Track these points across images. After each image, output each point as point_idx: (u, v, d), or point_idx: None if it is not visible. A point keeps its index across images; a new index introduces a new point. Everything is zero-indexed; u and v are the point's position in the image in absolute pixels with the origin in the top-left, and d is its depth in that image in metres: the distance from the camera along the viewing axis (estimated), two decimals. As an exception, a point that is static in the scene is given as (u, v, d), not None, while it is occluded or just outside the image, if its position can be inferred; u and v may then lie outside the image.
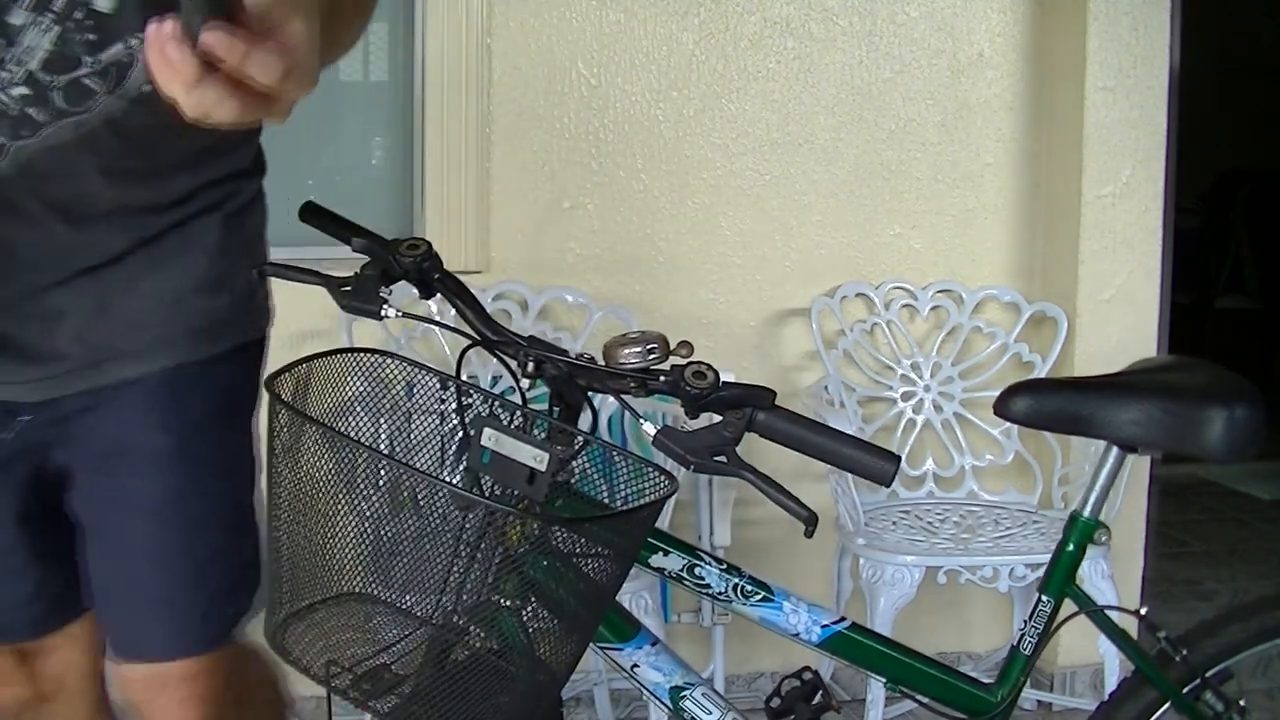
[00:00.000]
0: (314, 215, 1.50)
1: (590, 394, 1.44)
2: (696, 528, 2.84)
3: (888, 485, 1.38)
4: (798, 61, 3.13)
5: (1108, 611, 1.79)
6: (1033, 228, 3.26)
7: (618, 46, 3.03)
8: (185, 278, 1.30)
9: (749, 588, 1.60)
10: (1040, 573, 1.85)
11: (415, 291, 1.51)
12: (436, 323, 1.55)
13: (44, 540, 1.33)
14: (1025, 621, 1.75)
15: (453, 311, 1.54)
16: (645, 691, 1.58)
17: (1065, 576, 1.75)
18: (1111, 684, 2.69)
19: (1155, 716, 1.80)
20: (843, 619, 1.66)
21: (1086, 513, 1.75)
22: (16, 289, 1.20)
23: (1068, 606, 1.75)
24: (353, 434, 1.43)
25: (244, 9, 0.76)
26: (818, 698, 1.59)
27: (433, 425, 1.52)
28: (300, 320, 2.71)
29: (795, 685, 1.60)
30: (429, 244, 1.49)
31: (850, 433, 1.42)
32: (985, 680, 1.75)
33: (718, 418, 1.36)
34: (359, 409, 1.46)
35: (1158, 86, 3.12)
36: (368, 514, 1.62)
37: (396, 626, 1.36)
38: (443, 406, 1.51)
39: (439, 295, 1.52)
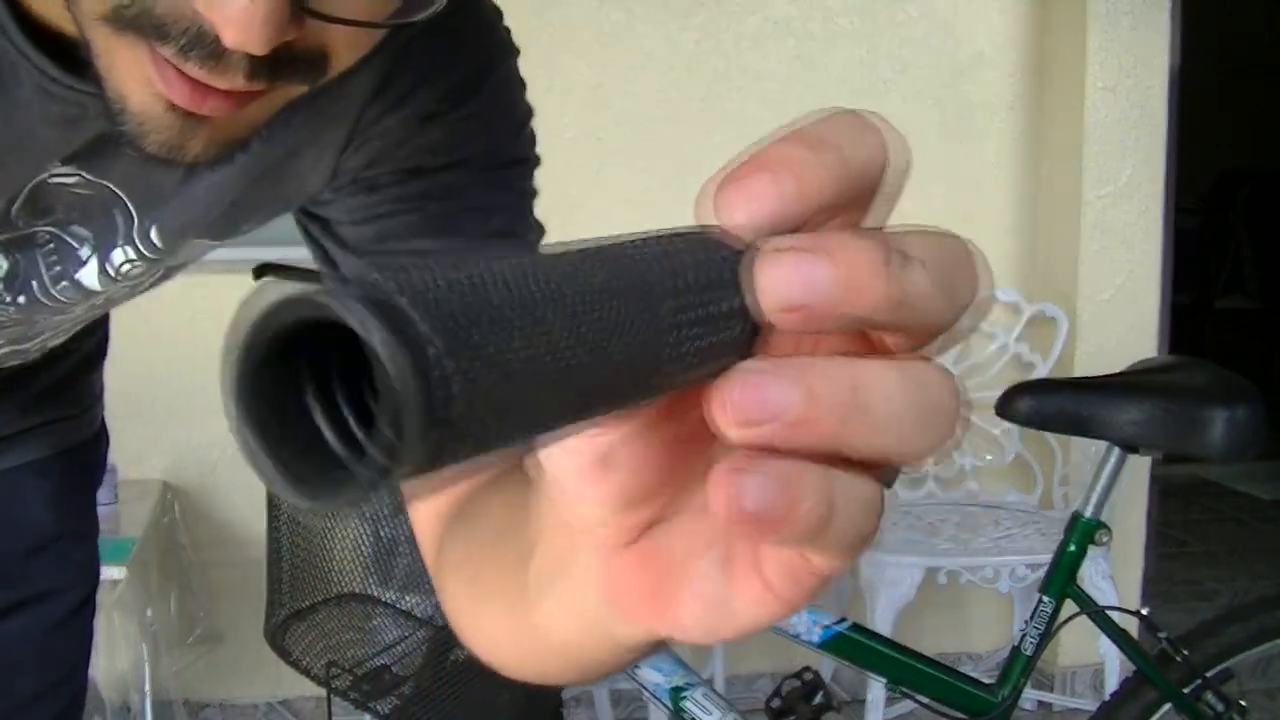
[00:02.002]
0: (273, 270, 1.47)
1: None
2: (696, 528, 2.84)
3: (888, 486, 1.38)
4: (798, 61, 3.13)
5: (1108, 612, 1.79)
6: (1033, 227, 3.26)
7: (618, 46, 3.03)
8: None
9: (749, 588, 1.60)
10: (1041, 573, 1.85)
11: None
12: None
13: None
14: (1026, 622, 1.75)
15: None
16: (646, 692, 1.58)
17: (1066, 577, 1.75)
18: (1112, 684, 2.69)
19: (1156, 717, 1.80)
20: (843, 619, 1.66)
21: (1088, 513, 1.75)
22: None
23: (1069, 607, 1.75)
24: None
25: None
26: (818, 698, 1.59)
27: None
28: (300, 320, 2.70)
29: (795, 685, 1.60)
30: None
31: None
32: (986, 680, 1.75)
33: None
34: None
35: (1158, 86, 3.12)
36: (367, 515, 1.62)
37: (397, 627, 1.36)
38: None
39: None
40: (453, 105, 0.75)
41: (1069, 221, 3.15)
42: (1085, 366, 3.09)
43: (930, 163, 3.21)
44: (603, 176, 3.02)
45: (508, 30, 0.79)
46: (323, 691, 1.71)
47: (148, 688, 2.46)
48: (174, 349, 2.82)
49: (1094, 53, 3.08)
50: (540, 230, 0.78)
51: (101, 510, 2.68)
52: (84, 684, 1.12)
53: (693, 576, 0.35)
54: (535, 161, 0.79)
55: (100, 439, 1.14)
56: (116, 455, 2.58)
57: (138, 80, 0.56)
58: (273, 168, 0.74)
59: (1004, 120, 3.23)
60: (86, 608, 1.11)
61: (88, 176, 0.72)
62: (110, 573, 2.25)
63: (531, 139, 0.79)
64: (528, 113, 0.79)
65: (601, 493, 0.35)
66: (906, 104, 3.18)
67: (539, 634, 0.45)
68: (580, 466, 0.34)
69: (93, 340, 1.08)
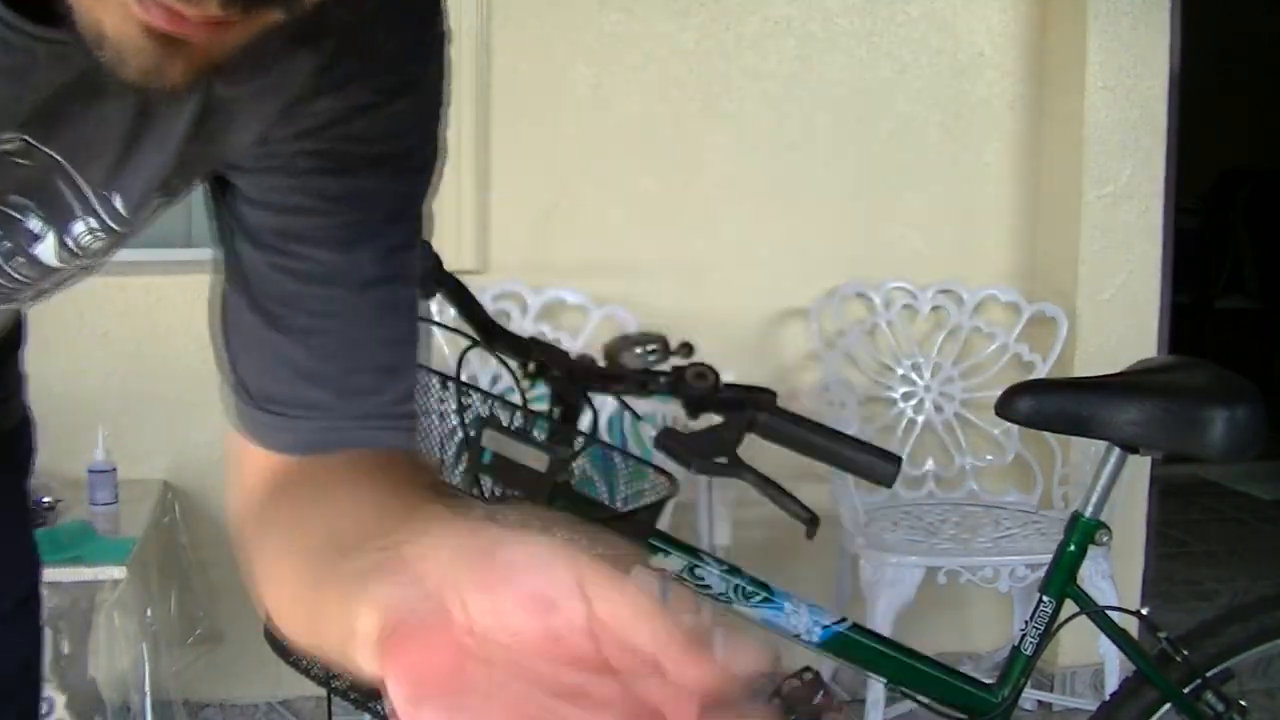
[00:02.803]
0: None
1: (590, 394, 1.44)
2: (697, 528, 2.84)
3: (889, 486, 1.38)
4: (798, 61, 3.13)
5: (1108, 612, 1.79)
6: (1033, 228, 3.26)
7: (618, 46, 3.03)
8: None
9: (750, 588, 1.60)
10: (1040, 573, 1.85)
11: (415, 292, 1.51)
12: (436, 323, 1.56)
13: None
14: (1026, 622, 1.75)
15: (453, 311, 1.54)
16: (645, 692, 1.58)
17: (1066, 577, 1.75)
18: (1112, 684, 2.69)
19: (1155, 717, 1.80)
20: (843, 619, 1.66)
21: (1088, 513, 1.75)
22: None
23: (1069, 607, 1.75)
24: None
25: None
26: (818, 698, 1.59)
27: (433, 425, 1.52)
28: (300, 320, 2.71)
29: (795, 685, 1.60)
30: (429, 244, 1.49)
31: (851, 434, 1.42)
32: (986, 680, 1.75)
33: (718, 419, 1.36)
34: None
35: (1158, 86, 3.11)
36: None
37: (397, 627, 1.36)
38: (443, 407, 1.51)
39: (439, 295, 1.52)
40: (390, 98, 0.75)
41: (1069, 221, 3.15)
42: (1085, 366, 3.09)
43: (930, 162, 3.21)
44: (603, 176, 3.02)
45: (447, 11, 0.79)
46: (323, 691, 1.71)
47: (148, 688, 2.46)
48: (174, 349, 2.82)
49: (1094, 53, 3.08)
50: (430, 223, 0.80)
51: (101, 510, 2.68)
52: (40, 676, 1.12)
53: None
54: (445, 154, 0.80)
55: (27, 427, 1.13)
56: (117, 455, 2.58)
57: (114, 7, 0.55)
58: (210, 124, 0.73)
59: (1004, 120, 3.23)
60: (31, 600, 1.10)
61: (31, 142, 0.71)
62: (110, 573, 2.25)
63: (445, 128, 0.80)
64: (448, 102, 0.79)
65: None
66: (906, 104, 3.18)
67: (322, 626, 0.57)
68: None
69: (12, 325, 1.07)
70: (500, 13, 2.94)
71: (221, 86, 0.70)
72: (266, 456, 0.78)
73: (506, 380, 1.83)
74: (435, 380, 1.51)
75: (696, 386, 1.35)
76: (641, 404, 1.52)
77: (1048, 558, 1.78)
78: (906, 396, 3.13)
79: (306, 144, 0.74)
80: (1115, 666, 2.75)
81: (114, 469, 2.51)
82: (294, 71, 0.72)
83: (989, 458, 3.15)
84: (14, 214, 0.75)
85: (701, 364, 1.37)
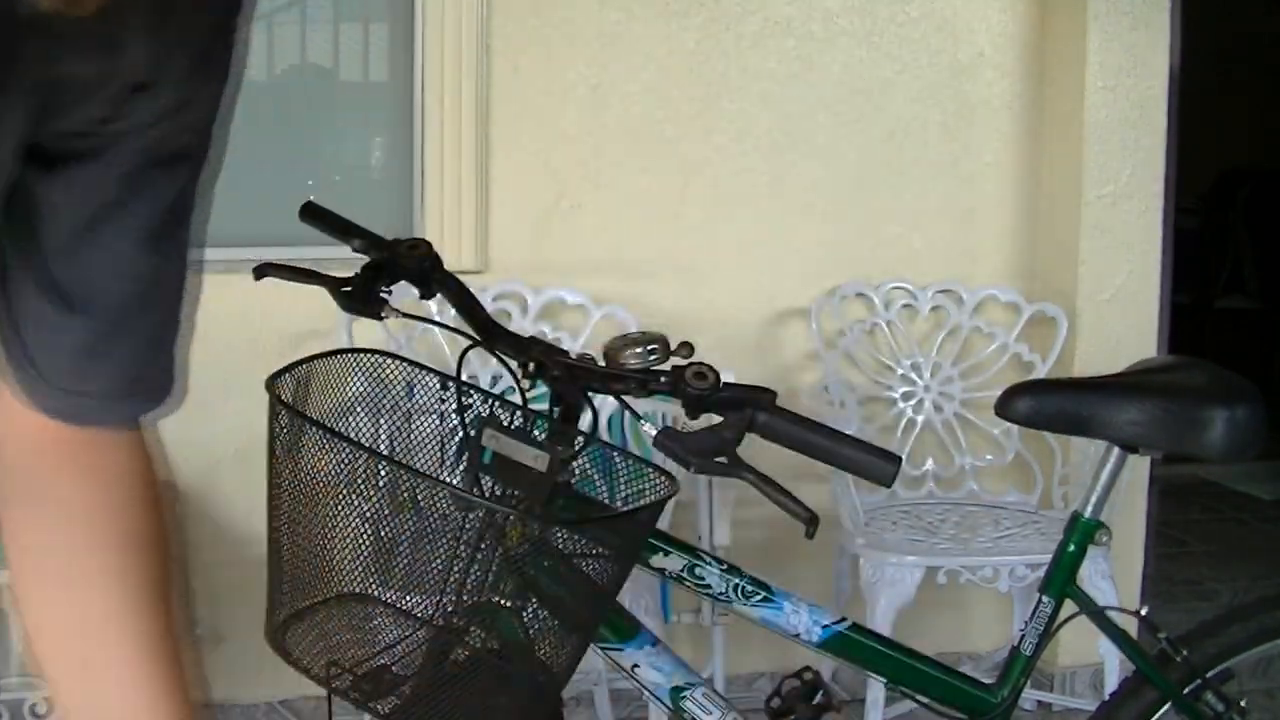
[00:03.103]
0: (314, 216, 1.50)
1: (590, 394, 1.44)
2: (697, 528, 2.84)
3: (889, 486, 1.38)
4: (798, 61, 3.13)
5: (1108, 612, 1.79)
6: (1033, 228, 3.26)
7: (618, 46, 3.03)
8: None
9: (749, 588, 1.60)
10: (1040, 573, 1.85)
11: (415, 291, 1.51)
12: (436, 323, 1.56)
13: None
14: (1026, 622, 1.75)
15: (452, 311, 1.54)
16: (645, 691, 1.58)
17: (1066, 577, 1.75)
18: (1112, 684, 2.69)
19: (1155, 717, 1.80)
20: (843, 619, 1.66)
21: (1088, 513, 1.75)
22: None
23: (1068, 607, 1.75)
24: (353, 434, 1.43)
25: None
26: (818, 698, 1.59)
27: (433, 425, 1.52)
28: (300, 320, 2.70)
29: (795, 685, 1.60)
30: (429, 244, 1.50)
31: (851, 434, 1.42)
32: (985, 680, 1.75)
33: (718, 418, 1.36)
34: (359, 409, 1.46)
35: (1158, 86, 3.11)
36: (367, 514, 1.62)
37: (397, 627, 1.36)
38: (443, 407, 1.52)
39: (439, 295, 1.52)
40: (204, 84, 0.77)
41: (1069, 221, 3.15)
42: (1085, 366, 3.09)
43: (930, 162, 3.21)
44: (603, 176, 3.02)
45: None
46: (323, 691, 1.71)
47: (148, 688, 2.46)
48: (174, 349, 2.82)
49: (1094, 53, 3.08)
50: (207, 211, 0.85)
51: (101, 510, 2.66)
52: None
53: None
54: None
55: None
56: (116, 455, 2.58)
57: None
58: (59, 101, 0.73)
59: (1004, 120, 3.23)
60: None
61: None
62: (110, 573, 2.25)
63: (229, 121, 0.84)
64: (236, 98, 0.82)
65: None
66: (906, 104, 3.18)
67: None
68: None
69: None
70: (500, 12, 2.94)
71: (71, 66, 0.70)
72: (27, 411, 0.83)
73: (506, 380, 1.82)
74: (435, 380, 1.51)
75: (696, 386, 1.35)
76: (641, 404, 1.52)
77: (1047, 558, 1.78)
78: (906, 396, 3.13)
79: (136, 140, 0.75)
80: (1115, 666, 2.75)
81: (114, 469, 2.51)
82: (136, 54, 0.72)
83: (989, 458, 3.15)
84: None
85: (701, 364, 1.37)
